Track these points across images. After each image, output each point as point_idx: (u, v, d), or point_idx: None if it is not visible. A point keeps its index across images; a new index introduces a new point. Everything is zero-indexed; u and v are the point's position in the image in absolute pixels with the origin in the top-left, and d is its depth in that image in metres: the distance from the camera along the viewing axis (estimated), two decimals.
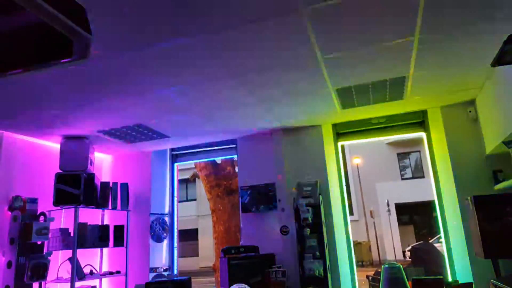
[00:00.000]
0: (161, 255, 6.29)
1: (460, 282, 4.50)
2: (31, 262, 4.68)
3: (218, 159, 8.26)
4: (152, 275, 5.96)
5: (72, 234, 5.10)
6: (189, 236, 21.96)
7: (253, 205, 5.77)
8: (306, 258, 5.09)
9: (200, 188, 20.28)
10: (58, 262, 5.27)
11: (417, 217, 20.60)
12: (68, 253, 5.07)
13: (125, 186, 5.99)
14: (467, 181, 4.88)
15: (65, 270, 5.14)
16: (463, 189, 4.86)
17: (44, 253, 4.95)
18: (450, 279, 4.97)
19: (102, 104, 4.22)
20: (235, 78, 3.78)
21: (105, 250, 6.13)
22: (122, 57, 3.17)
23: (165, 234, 6.30)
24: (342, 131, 5.89)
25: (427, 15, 2.86)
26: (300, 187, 5.46)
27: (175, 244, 6.49)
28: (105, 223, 5.97)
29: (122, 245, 5.74)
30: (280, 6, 2.64)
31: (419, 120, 5.53)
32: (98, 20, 2.60)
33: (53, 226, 5.05)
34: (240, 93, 4.20)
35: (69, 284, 4.89)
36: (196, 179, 17.99)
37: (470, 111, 5.02)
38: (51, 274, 4.99)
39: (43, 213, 5.00)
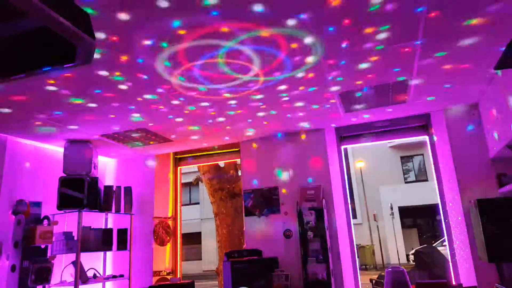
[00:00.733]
0: (164, 258, 6.29)
1: (464, 286, 4.48)
2: (35, 266, 4.69)
3: (221, 163, 8.26)
4: (155, 278, 5.96)
5: (75, 238, 5.11)
6: (193, 239, 21.93)
7: (256, 208, 5.77)
8: (310, 261, 5.08)
9: (203, 191, 20.25)
10: (62, 265, 5.28)
11: (420, 220, 20.51)
12: (72, 256, 5.08)
13: (128, 190, 6.00)
14: (471, 184, 4.86)
15: (69, 274, 5.15)
16: (467, 192, 4.84)
17: (48, 257, 4.96)
18: (454, 282, 4.94)
19: (105, 108, 4.24)
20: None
21: (108, 253, 6.14)
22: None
23: (168, 238, 6.30)
24: (345, 135, 5.89)
25: (429, 20, 2.87)
26: (303, 190, 5.46)
27: (178, 248, 6.50)
28: (108, 227, 5.99)
29: (126, 249, 5.75)
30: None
31: (423, 124, 5.53)
32: None
33: (56, 229, 5.07)
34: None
35: (72, 287, 4.90)
36: (199, 182, 18.00)
37: (473, 114, 5.01)
38: (54, 278, 5.00)
39: (46, 217, 5.01)
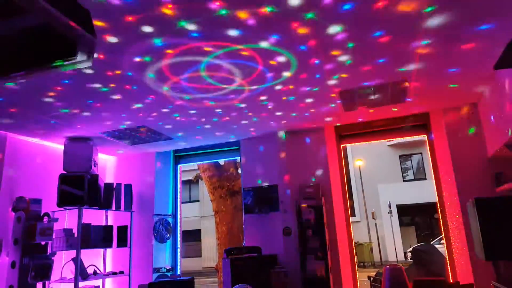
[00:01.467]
0: (164, 255, 6.32)
1: (461, 283, 4.51)
2: (35, 262, 4.71)
3: (221, 161, 8.29)
4: (155, 275, 5.99)
5: (75, 235, 5.13)
6: (192, 236, 21.96)
7: (255, 206, 5.80)
8: (308, 259, 5.12)
9: (203, 189, 20.26)
10: (62, 262, 5.30)
11: (418, 218, 20.56)
12: (72, 253, 5.10)
13: (128, 187, 6.02)
14: (468, 183, 4.89)
15: (69, 270, 5.17)
16: (464, 191, 4.87)
17: (48, 254, 4.99)
18: (451, 280, 4.98)
19: (106, 106, 4.26)
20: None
21: (108, 250, 6.16)
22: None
23: (168, 235, 6.33)
24: (344, 133, 5.91)
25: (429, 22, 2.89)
26: (303, 188, 5.48)
27: (178, 245, 6.52)
28: (108, 224, 6.01)
29: (126, 246, 5.77)
30: None
31: (422, 123, 5.55)
32: None
33: (57, 226, 5.09)
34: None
35: (72, 284, 4.93)
36: (199, 180, 18.01)
37: (472, 113, 5.03)
38: (54, 274, 5.03)
39: (47, 214, 5.03)
